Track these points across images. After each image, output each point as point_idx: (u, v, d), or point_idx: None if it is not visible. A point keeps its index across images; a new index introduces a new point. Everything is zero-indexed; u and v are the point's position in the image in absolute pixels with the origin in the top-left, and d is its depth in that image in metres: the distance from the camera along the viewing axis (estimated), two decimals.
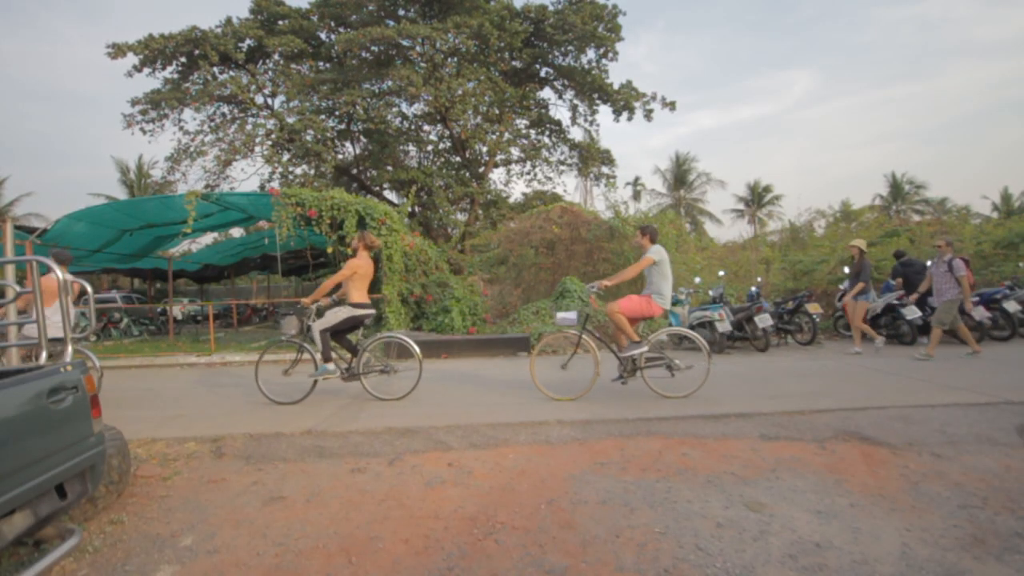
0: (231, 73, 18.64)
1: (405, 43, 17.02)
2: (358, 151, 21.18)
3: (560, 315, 5.47)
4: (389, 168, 20.58)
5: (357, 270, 5.34)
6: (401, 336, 5.81)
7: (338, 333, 5.44)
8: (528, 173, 22.61)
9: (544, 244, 12.64)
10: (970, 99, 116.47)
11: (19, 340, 4.38)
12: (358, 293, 5.36)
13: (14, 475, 1.97)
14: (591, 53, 19.31)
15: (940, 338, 7.07)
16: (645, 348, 5.13)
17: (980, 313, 7.83)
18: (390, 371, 5.52)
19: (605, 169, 21.88)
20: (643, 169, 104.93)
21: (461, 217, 20.89)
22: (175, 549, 2.53)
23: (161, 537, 2.65)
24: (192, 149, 18.43)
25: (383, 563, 2.33)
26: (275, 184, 18.85)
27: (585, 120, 21.26)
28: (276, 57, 18.77)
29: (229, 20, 18.01)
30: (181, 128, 18.81)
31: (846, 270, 10.39)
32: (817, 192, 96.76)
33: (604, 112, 29.00)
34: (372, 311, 5.48)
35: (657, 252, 5.19)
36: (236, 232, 19.88)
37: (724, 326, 8.18)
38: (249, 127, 18.08)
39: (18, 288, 3.35)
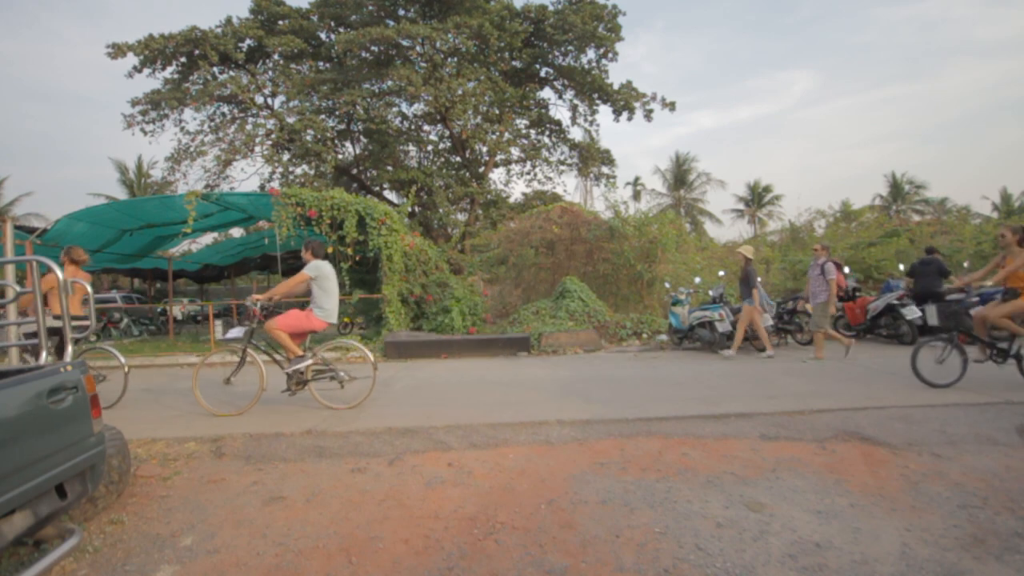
0: (231, 73, 18.65)
1: (405, 43, 17.03)
2: (358, 151, 21.19)
3: (231, 331, 5.43)
4: (389, 168, 20.59)
5: (54, 285, 5.23)
6: (106, 346, 5.96)
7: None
8: (528, 173, 22.64)
9: (544, 244, 12.64)
10: (970, 99, 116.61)
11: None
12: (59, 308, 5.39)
13: (14, 475, 1.97)
14: (591, 53, 19.33)
15: (822, 341, 7.34)
16: (309, 362, 5.12)
17: None
18: (98, 379, 5.57)
19: (605, 169, 21.90)
20: (643, 169, 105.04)
21: (461, 217, 20.90)
22: (175, 549, 2.53)
23: (161, 537, 2.66)
24: (192, 149, 18.45)
25: (383, 563, 2.33)
26: (275, 184, 18.87)
27: (585, 120, 21.30)
28: (276, 57, 18.78)
29: (229, 20, 18.03)
30: (181, 128, 18.84)
31: (847, 270, 10.44)
32: (817, 192, 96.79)
33: (604, 112, 29.10)
34: (83, 323, 5.45)
35: (315, 268, 5.13)
36: (236, 232, 19.89)
37: (724, 326, 8.18)
38: (249, 127, 18.09)
39: (18, 288, 3.35)
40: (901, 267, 9.98)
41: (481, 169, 20.75)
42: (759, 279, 7.87)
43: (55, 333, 5.46)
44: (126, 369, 5.59)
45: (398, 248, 10.29)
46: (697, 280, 9.98)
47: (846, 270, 10.50)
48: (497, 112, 19.51)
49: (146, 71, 17.74)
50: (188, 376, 7.85)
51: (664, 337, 9.51)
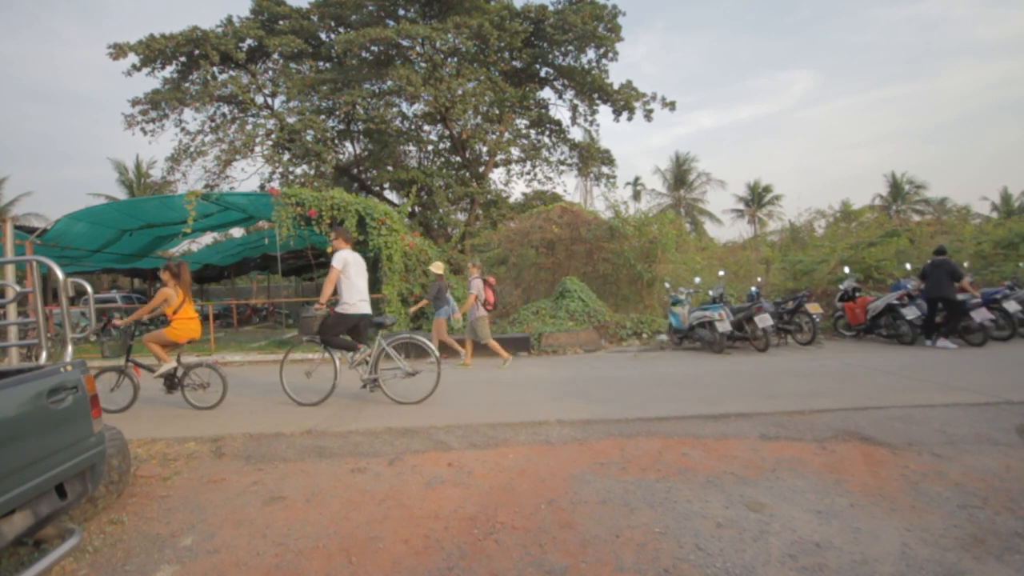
0: (231, 73, 18.63)
1: (405, 43, 17.01)
2: (358, 151, 21.17)
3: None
4: (389, 168, 20.57)
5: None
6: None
7: None
8: (528, 173, 22.61)
9: (544, 244, 12.64)
10: (970, 99, 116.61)
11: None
12: None
13: (14, 475, 1.97)
14: (591, 53, 19.31)
15: (472, 349, 7.98)
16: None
17: (981, 315, 7.81)
18: None
19: (605, 169, 21.86)
20: (643, 169, 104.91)
21: (461, 217, 20.88)
22: (175, 549, 2.53)
23: (161, 537, 2.65)
24: (192, 149, 18.43)
25: (383, 563, 2.33)
26: (275, 184, 18.84)
27: (585, 120, 21.26)
28: (276, 57, 18.76)
29: (230, 20, 18.02)
30: (181, 128, 18.82)
31: (847, 270, 10.44)
32: (817, 192, 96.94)
33: (604, 112, 29.06)
34: None
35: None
36: (236, 232, 19.88)
37: (724, 326, 8.18)
38: (249, 127, 18.06)
39: (18, 288, 3.35)
40: (908, 267, 9.86)
41: (481, 169, 20.73)
42: (448, 294, 8.51)
43: None
44: None
45: (398, 248, 10.28)
46: (697, 280, 9.98)
47: (848, 269, 10.51)
48: (497, 112, 19.48)
49: (145, 70, 17.73)
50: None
51: (664, 337, 9.52)
